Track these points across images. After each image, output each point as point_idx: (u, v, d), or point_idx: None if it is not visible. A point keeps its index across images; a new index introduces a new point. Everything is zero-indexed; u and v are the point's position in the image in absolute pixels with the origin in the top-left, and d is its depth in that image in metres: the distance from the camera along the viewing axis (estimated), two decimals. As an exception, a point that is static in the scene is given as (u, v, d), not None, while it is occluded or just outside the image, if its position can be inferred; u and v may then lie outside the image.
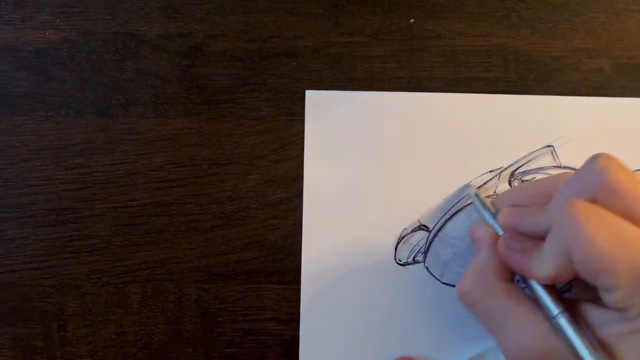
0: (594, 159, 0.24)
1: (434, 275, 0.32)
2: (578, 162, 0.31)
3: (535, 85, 0.32)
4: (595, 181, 0.23)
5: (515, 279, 0.27)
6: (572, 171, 0.31)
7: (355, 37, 0.32)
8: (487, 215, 0.29)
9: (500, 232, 0.27)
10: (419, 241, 0.32)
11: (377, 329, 0.32)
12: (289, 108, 0.32)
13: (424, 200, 0.32)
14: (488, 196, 0.32)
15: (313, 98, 0.32)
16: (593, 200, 0.23)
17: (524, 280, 0.26)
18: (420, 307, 0.32)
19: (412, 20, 0.32)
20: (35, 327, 0.32)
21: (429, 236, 0.32)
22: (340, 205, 0.32)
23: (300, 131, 0.32)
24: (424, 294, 0.32)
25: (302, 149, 0.32)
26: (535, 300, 0.25)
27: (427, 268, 0.32)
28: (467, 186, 0.32)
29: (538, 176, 0.32)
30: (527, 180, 0.32)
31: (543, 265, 0.24)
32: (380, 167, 0.32)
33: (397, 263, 0.32)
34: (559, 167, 0.32)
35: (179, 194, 0.32)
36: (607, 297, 0.22)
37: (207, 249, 0.32)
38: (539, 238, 0.25)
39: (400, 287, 0.32)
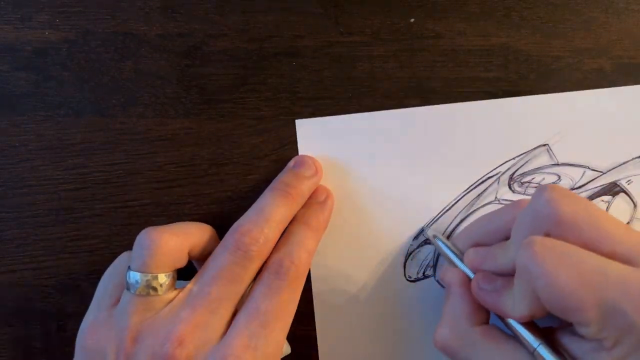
0: (541, 192, 0.24)
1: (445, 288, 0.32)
2: (575, 158, 0.32)
3: (535, 85, 0.32)
4: (546, 214, 0.23)
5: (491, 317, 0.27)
6: (527, 198, 0.30)
7: (355, 37, 0.32)
8: (453, 257, 0.29)
9: (470, 274, 0.27)
10: (427, 255, 0.32)
11: (393, 348, 0.32)
12: (289, 108, 0.32)
13: (425, 214, 0.32)
14: (487, 202, 0.32)
15: (304, 127, 0.32)
16: (548, 234, 0.23)
17: (499, 317, 0.26)
18: (436, 321, 0.32)
19: (412, 20, 0.32)
20: (35, 327, 0.32)
21: (435, 249, 0.32)
22: (343, 228, 0.32)
23: (300, 131, 0.32)
24: (438, 307, 0.32)
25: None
26: (514, 338, 0.25)
27: (438, 281, 0.32)
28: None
29: (537, 177, 0.32)
30: (526, 182, 0.32)
31: (517, 305, 0.24)
32: (378, 185, 0.32)
33: (407, 280, 0.32)
34: (557, 164, 0.32)
35: (178, 194, 0.32)
36: (581, 331, 0.22)
37: (207, 249, 0.32)
38: (510, 274, 0.25)
39: (413, 303, 0.32)
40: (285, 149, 0.32)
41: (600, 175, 0.32)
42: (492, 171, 0.32)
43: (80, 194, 0.32)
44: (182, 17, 0.32)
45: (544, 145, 0.32)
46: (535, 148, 0.32)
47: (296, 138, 0.32)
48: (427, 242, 0.32)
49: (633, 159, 0.32)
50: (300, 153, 0.32)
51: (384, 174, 0.32)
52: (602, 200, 0.32)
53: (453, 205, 0.32)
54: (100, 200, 0.32)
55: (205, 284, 0.27)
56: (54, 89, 0.32)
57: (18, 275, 0.32)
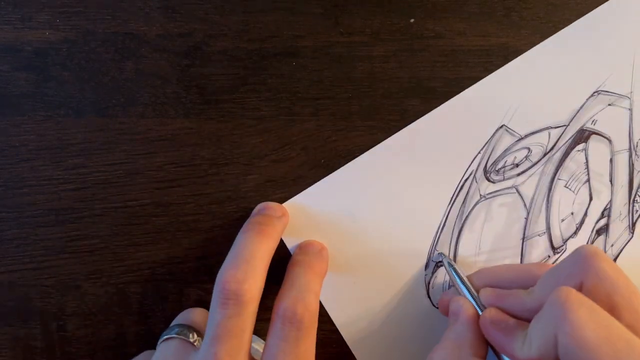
0: (581, 248, 0.25)
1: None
2: (535, 124, 0.32)
3: (535, 85, 0.32)
4: (584, 267, 0.24)
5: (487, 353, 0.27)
6: (553, 264, 0.31)
7: (355, 37, 0.32)
8: (465, 290, 0.29)
9: (478, 308, 0.28)
10: (444, 277, 0.32)
11: None
12: (289, 108, 0.32)
13: (424, 239, 0.32)
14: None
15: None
16: (580, 287, 0.24)
17: (497, 355, 0.26)
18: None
19: (412, 20, 0.32)
20: (35, 327, 0.32)
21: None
22: (356, 284, 0.32)
23: (301, 131, 0.32)
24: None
25: (302, 149, 0.32)
26: None
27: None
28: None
29: (508, 159, 0.32)
30: (501, 168, 0.32)
31: (526, 347, 0.24)
32: (373, 232, 0.32)
33: (437, 308, 0.32)
34: (521, 138, 0.32)
35: (179, 194, 0.32)
36: None
37: (207, 249, 0.32)
38: (524, 318, 0.26)
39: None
40: (285, 149, 0.32)
41: (565, 128, 0.32)
42: (465, 173, 0.32)
43: (80, 194, 0.32)
44: (182, 17, 0.32)
45: (501, 126, 0.32)
46: (494, 134, 0.32)
47: (296, 138, 0.32)
48: (438, 265, 0.32)
49: (587, 99, 0.32)
50: (288, 235, 0.32)
51: (374, 219, 0.32)
52: (578, 150, 0.32)
53: (445, 221, 0.32)
54: (100, 200, 0.32)
55: (209, 346, 0.26)
56: (54, 89, 0.32)
57: (18, 275, 0.32)
